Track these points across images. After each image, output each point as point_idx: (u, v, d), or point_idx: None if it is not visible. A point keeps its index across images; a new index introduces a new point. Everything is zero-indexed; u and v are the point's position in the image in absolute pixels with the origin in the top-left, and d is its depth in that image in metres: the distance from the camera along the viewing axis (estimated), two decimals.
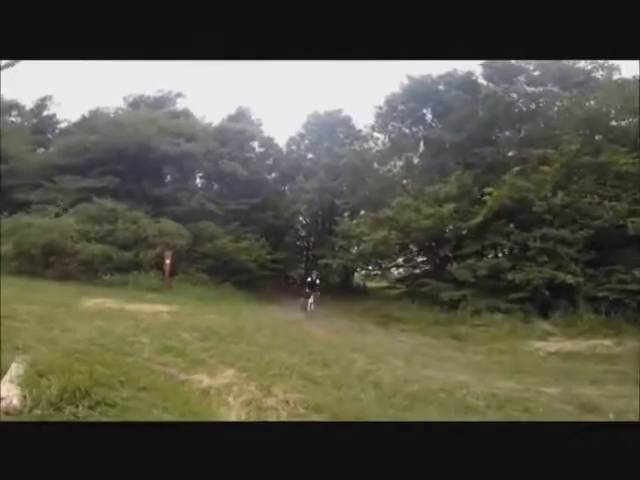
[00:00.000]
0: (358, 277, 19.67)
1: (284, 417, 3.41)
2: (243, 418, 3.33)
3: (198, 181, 20.54)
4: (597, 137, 12.75)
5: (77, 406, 2.61)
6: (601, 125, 12.52)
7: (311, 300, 11.65)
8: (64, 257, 11.79)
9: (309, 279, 12.80)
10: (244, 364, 4.76)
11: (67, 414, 2.52)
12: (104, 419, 2.60)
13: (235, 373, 4.38)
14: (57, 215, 12.82)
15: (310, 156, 21.36)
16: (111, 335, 5.26)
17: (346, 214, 18.81)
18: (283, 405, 3.64)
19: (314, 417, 3.43)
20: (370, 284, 19.23)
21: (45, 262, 11.89)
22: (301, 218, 20.64)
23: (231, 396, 3.71)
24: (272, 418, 3.38)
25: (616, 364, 6.12)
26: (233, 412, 3.43)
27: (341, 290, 16.76)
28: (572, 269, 10.03)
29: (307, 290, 12.22)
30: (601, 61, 14.31)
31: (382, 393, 4.26)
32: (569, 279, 9.72)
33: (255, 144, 21.31)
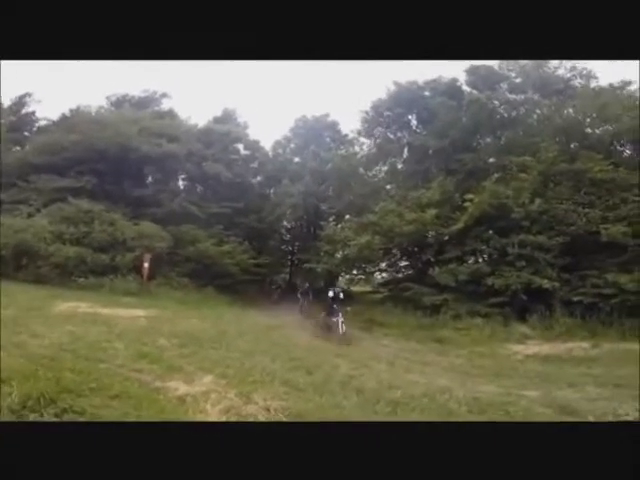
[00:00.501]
0: (342, 281, 19.66)
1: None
2: None
3: (181, 183, 20.16)
4: (573, 145, 13.21)
5: (42, 414, 2.48)
6: (577, 133, 12.96)
7: (340, 319, 9.45)
8: (37, 259, 11.29)
9: (331, 293, 10.63)
10: (224, 370, 4.64)
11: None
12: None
13: (214, 380, 4.26)
14: (30, 215, 12.28)
15: (296, 160, 21.31)
16: (83, 340, 5.05)
17: (331, 219, 18.80)
18: (263, 412, 3.54)
19: None
20: (354, 288, 19.24)
21: (17, 264, 11.36)
22: (286, 222, 20.52)
23: (209, 403, 3.59)
24: None
25: (593, 367, 6.27)
26: (211, 420, 3.32)
27: (325, 294, 16.66)
28: (548, 274, 10.31)
29: (333, 306, 10.08)
30: (580, 68, 14.92)
31: (365, 400, 4.21)
32: (545, 284, 9.99)
33: (240, 146, 21.12)
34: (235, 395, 3.84)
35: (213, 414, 3.42)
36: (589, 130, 13.27)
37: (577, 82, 15.24)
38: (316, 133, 21.11)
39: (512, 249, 11.02)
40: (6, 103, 20.40)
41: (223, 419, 3.33)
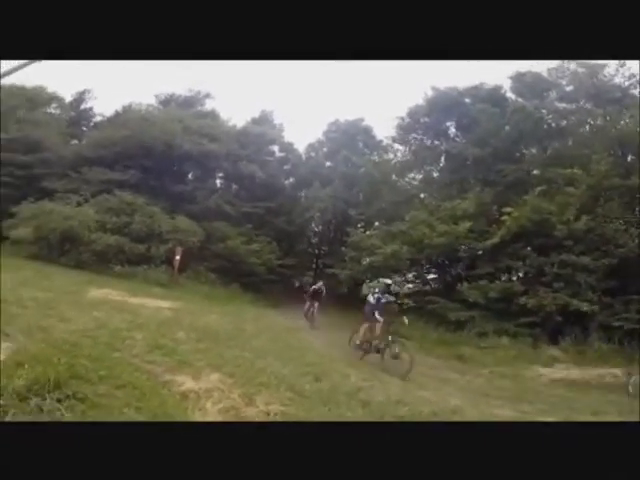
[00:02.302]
0: (365, 288, 19.32)
1: None
2: None
3: (218, 181, 20.89)
4: (629, 158, 12.13)
5: (44, 398, 2.56)
6: (634, 145, 11.85)
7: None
8: (80, 245, 12.12)
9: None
10: (233, 369, 4.65)
11: (32, 406, 2.48)
12: (69, 413, 2.57)
13: (221, 378, 4.28)
14: (79, 204, 13.24)
15: (328, 164, 21.33)
16: (106, 328, 5.27)
17: (360, 225, 18.58)
18: (262, 416, 3.53)
19: None
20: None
21: (61, 249, 12.25)
22: (314, 225, 20.57)
23: (210, 402, 3.62)
24: None
25: (622, 395, 5.70)
26: (208, 419, 3.35)
27: (349, 301, 16.50)
28: (589, 297, 9.57)
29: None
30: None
31: (370, 413, 4.05)
32: (584, 307, 9.26)
33: (275, 148, 21.55)
34: (238, 396, 3.85)
35: (212, 413, 3.45)
36: None
37: (637, 91, 13.98)
38: (349, 137, 20.96)
39: (550, 269, 10.32)
40: (67, 99, 22.29)
41: (220, 419, 3.35)
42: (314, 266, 20.30)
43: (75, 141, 20.97)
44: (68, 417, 2.54)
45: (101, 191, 14.69)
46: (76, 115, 22.76)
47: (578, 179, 11.31)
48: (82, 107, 23.14)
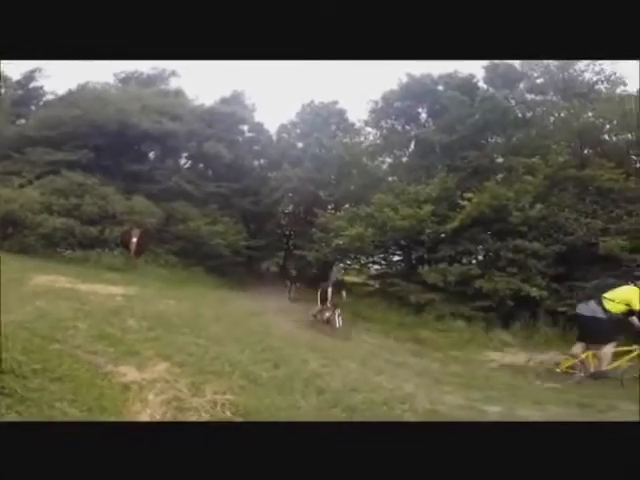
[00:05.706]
0: (335, 270, 19.52)
1: (203, 420, 3.23)
2: (157, 418, 3.14)
3: (182, 161, 20.05)
4: (586, 151, 12.66)
5: None
6: (592, 138, 12.36)
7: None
8: (23, 229, 11.26)
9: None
10: (184, 358, 4.53)
11: None
12: None
13: (168, 368, 4.15)
14: (21, 186, 12.21)
15: (300, 145, 20.96)
16: (47, 318, 4.95)
17: (330, 206, 18.56)
18: (209, 407, 3.44)
19: None
20: (349, 278, 19.14)
21: (3, 233, 11.35)
22: (283, 207, 20.32)
23: (152, 393, 3.50)
24: (191, 419, 3.20)
25: (560, 381, 6.05)
26: (148, 411, 3.22)
27: (318, 282, 16.56)
28: (538, 282, 10.05)
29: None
30: (607, 73, 14.18)
31: (324, 401, 4.03)
32: (534, 292, 9.74)
33: (245, 128, 20.87)
34: (185, 385, 3.74)
35: (153, 404, 3.33)
36: (606, 137, 12.69)
37: (603, 87, 14.49)
38: (322, 120, 20.70)
39: (506, 253, 10.76)
40: (15, 77, 20.26)
41: (161, 411, 3.24)
42: (284, 247, 20.19)
43: (22, 121, 19.28)
44: None
45: (48, 172, 13.65)
46: (24, 94, 20.82)
47: (537, 168, 11.71)
48: (31, 85, 21.17)
